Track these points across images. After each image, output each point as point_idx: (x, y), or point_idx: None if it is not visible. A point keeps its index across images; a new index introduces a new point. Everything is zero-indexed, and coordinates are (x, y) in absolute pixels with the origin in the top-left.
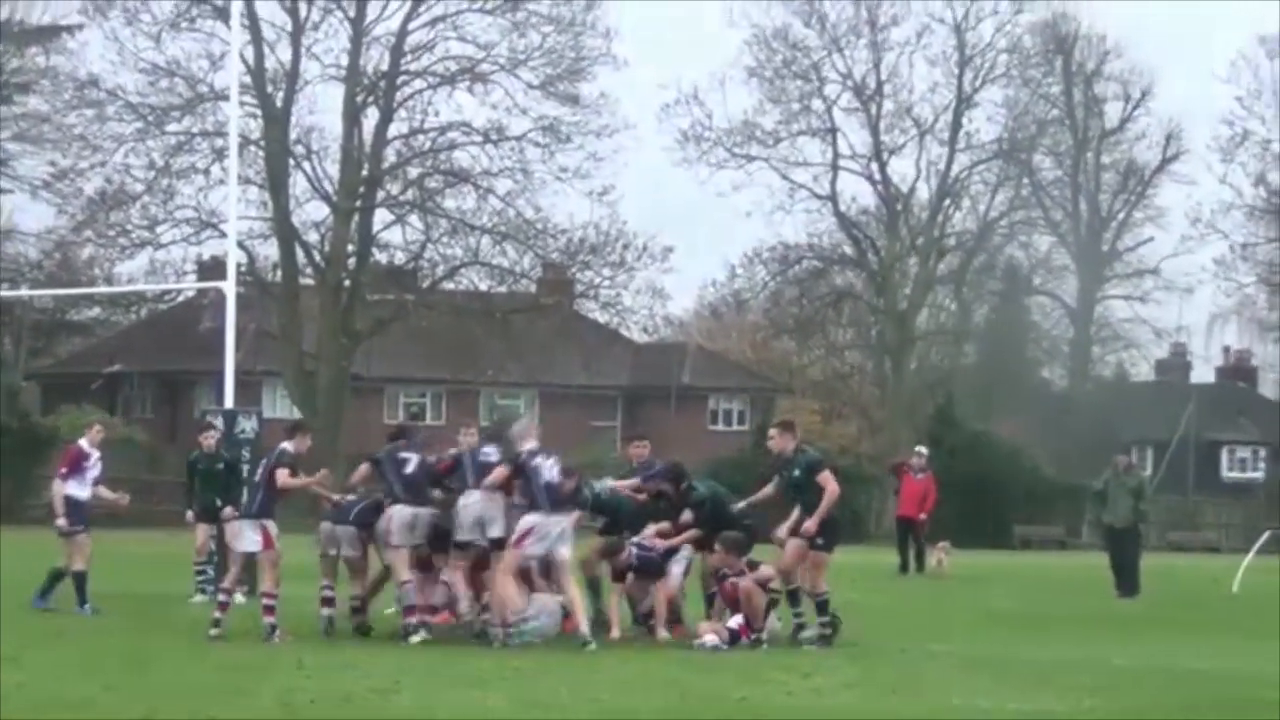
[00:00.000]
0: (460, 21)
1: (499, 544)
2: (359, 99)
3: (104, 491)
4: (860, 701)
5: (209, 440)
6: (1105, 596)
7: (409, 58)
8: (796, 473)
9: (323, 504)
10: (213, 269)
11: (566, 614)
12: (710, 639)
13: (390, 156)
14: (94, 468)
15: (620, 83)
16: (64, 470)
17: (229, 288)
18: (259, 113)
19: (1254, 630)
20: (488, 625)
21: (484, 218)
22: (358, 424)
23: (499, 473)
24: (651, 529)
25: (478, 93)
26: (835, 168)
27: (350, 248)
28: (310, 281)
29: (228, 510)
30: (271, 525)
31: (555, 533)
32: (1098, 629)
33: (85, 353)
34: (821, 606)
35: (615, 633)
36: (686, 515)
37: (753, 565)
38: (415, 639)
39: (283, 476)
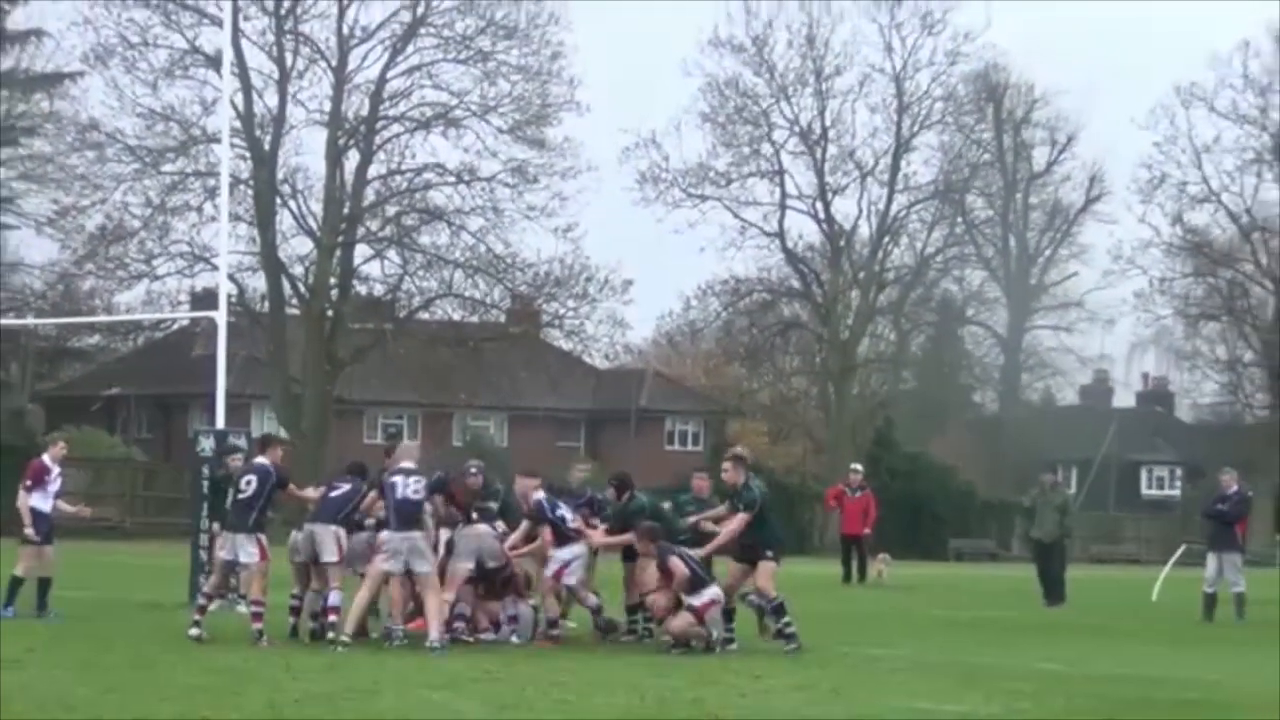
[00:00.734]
0: (435, 71)
1: None
2: (341, 142)
3: (64, 505)
4: (807, 702)
5: (235, 462)
6: (1034, 605)
7: (387, 104)
8: (741, 506)
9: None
10: (205, 299)
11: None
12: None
13: (370, 195)
14: (55, 482)
15: (584, 127)
16: (28, 483)
17: (220, 317)
18: (248, 154)
19: (1172, 637)
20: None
21: (457, 253)
22: (340, 444)
23: (371, 497)
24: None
25: (451, 137)
26: (783, 207)
27: (333, 280)
28: (296, 311)
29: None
30: (264, 538)
31: (405, 548)
32: (1027, 635)
33: (86, 377)
34: (778, 610)
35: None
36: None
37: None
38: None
39: (296, 490)
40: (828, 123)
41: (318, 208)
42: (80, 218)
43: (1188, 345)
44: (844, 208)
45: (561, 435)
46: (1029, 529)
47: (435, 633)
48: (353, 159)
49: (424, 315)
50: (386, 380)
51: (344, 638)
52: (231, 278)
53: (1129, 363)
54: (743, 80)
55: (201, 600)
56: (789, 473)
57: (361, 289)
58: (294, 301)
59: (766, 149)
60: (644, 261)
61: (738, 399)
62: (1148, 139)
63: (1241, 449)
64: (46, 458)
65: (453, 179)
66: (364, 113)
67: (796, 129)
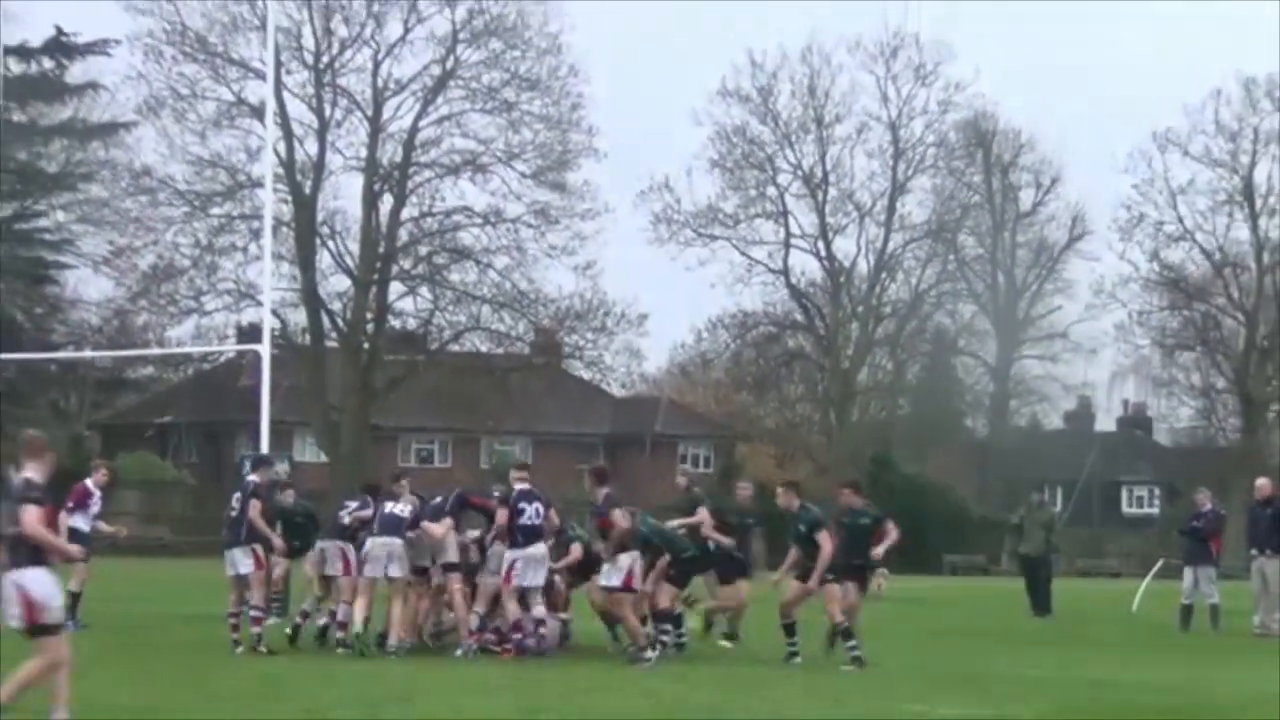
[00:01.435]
0: (464, 120)
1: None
2: (376, 187)
3: (102, 526)
4: (812, 707)
5: (288, 494)
6: (1022, 616)
7: (419, 151)
8: (801, 528)
9: None
10: (250, 333)
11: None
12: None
13: (403, 236)
14: (95, 505)
15: (601, 172)
16: (70, 505)
17: (264, 350)
18: (290, 198)
19: (1151, 644)
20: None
21: (484, 289)
22: (376, 467)
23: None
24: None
25: (479, 181)
26: (787, 246)
27: (369, 315)
28: (335, 344)
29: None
30: (259, 549)
31: (384, 554)
32: (1016, 644)
33: (140, 406)
34: (846, 633)
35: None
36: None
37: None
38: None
39: (254, 509)
40: (828, 167)
41: (355, 247)
42: (134, 258)
43: (1164, 374)
44: (844, 246)
45: (581, 458)
46: (1017, 544)
47: (394, 637)
48: (387, 202)
49: (454, 347)
50: (419, 407)
51: (393, 644)
52: (275, 313)
53: (1110, 390)
54: (749, 128)
55: (231, 619)
56: None
57: (396, 323)
58: (333, 335)
59: (772, 192)
60: (658, 296)
61: (746, 424)
62: (1127, 182)
63: (1215, 470)
64: (89, 482)
65: (480, 220)
66: (398, 159)
67: (799, 173)
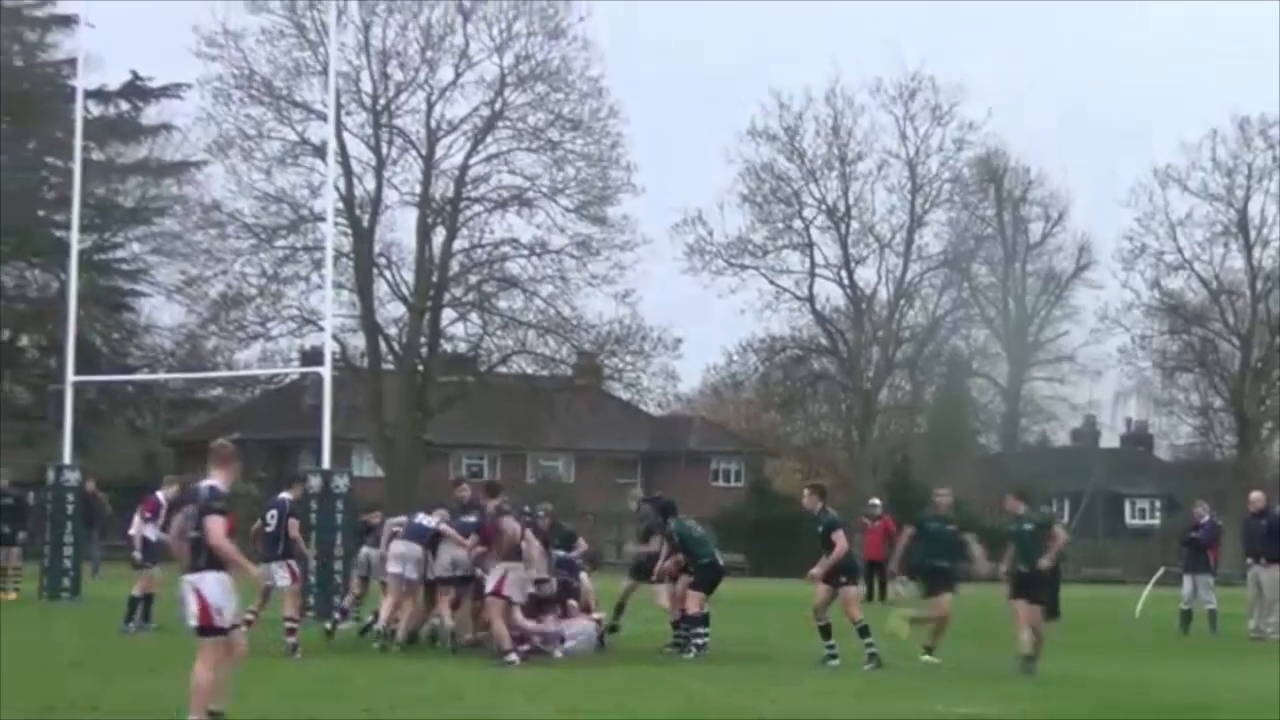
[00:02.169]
0: (511, 158)
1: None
2: (429, 220)
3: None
4: (834, 705)
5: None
6: None
7: (470, 187)
8: (820, 529)
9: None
10: (312, 356)
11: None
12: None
13: (455, 266)
14: (164, 514)
15: (639, 206)
16: (146, 515)
17: (325, 372)
18: (350, 231)
19: (1153, 647)
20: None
21: (530, 315)
22: (429, 481)
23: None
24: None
25: (525, 215)
26: (812, 275)
27: (422, 339)
28: (390, 366)
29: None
30: (294, 564)
31: (412, 556)
32: None
33: (211, 424)
34: (862, 631)
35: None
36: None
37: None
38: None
39: (292, 527)
40: (851, 202)
41: (409, 276)
42: (204, 286)
43: (1165, 394)
44: (865, 275)
45: (620, 473)
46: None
47: (402, 632)
48: (440, 234)
49: (502, 369)
50: (469, 425)
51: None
52: (335, 338)
53: (1114, 409)
54: (777, 165)
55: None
56: None
57: (448, 347)
58: (389, 358)
59: (798, 224)
60: (692, 322)
61: (774, 441)
62: (1130, 214)
63: (1212, 484)
64: (161, 494)
65: (526, 252)
66: (450, 194)
67: (824, 207)
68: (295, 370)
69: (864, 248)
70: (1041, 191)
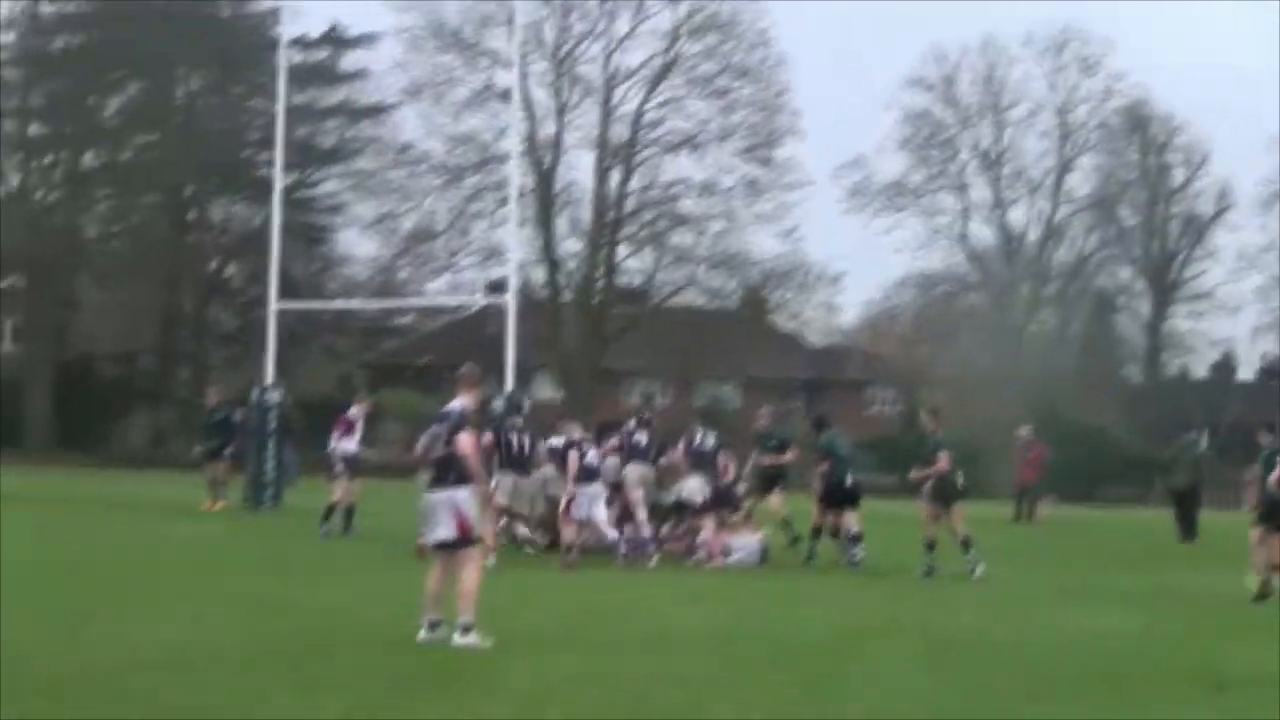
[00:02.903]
0: (684, 104)
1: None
2: (606, 162)
3: (366, 451)
4: (983, 618)
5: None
6: (1170, 541)
7: (645, 131)
8: (930, 448)
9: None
10: (497, 287)
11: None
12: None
13: (629, 205)
14: (359, 430)
15: (804, 149)
16: (339, 432)
17: (510, 302)
18: (532, 171)
19: None
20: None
21: (700, 251)
22: (604, 405)
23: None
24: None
25: (696, 157)
26: (966, 216)
27: (599, 273)
28: (569, 297)
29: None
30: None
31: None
32: (1163, 564)
33: (402, 349)
34: (965, 544)
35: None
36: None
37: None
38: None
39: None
40: (1003, 147)
41: (587, 214)
42: (396, 222)
43: None
44: (1016, 217)
45: (782, 400)
46: (1168, 478)
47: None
48: (616, 175)
49: (673, 302)
50: (642, 353)
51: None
52: (518, 270)
53: (1251, 344)
54: (934, 112)
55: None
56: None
57: (622, 280)
58: (568, 290)
59: (952, 169)
60: (852, 258)
61: (927, 372)
62: (1270, 161)
63: None
64: (353, 411)
65: (697, 191)
66: (625, 138)
67: (977, 152)
68: (481, 300)
69: (1015, 190)
70: (1185, 138)
